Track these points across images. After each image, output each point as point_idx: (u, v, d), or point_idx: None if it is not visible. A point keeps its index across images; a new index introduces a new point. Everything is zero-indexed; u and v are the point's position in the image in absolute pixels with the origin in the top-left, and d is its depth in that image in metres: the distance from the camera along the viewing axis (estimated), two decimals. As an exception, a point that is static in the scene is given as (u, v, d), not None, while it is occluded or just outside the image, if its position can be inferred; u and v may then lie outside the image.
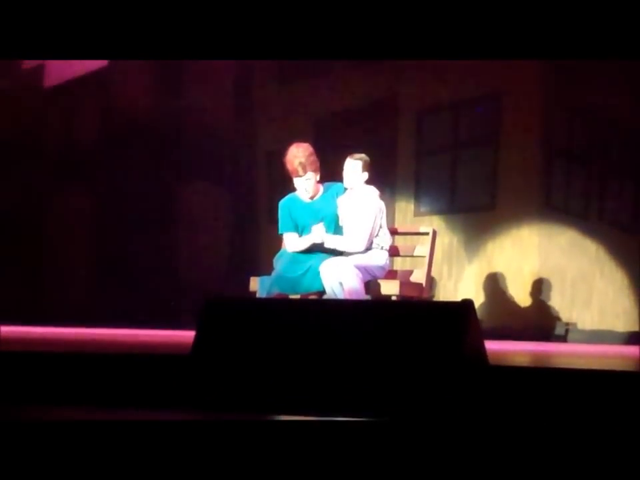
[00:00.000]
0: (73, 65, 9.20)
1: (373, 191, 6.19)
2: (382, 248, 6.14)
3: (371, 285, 6.07)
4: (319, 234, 6.03)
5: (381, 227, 6.16)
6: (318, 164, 6.17)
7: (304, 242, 6.09)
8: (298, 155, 6.08)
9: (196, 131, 9.02)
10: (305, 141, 6.26)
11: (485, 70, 8.34)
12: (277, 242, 6.47)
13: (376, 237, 6.14)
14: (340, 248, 6.06)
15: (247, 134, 9.13)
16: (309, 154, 6.11)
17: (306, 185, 6.13)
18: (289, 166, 6.11)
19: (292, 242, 6.15)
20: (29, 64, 9.28)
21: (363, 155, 6.17)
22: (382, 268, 6.14)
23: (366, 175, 6.16)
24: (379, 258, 6.12)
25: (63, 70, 9.25)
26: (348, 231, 6.15)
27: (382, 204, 6.20)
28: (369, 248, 6.11)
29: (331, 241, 6.05)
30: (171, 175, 9.11)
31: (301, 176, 6.09)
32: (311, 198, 6.20)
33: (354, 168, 6.13)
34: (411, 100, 8.67)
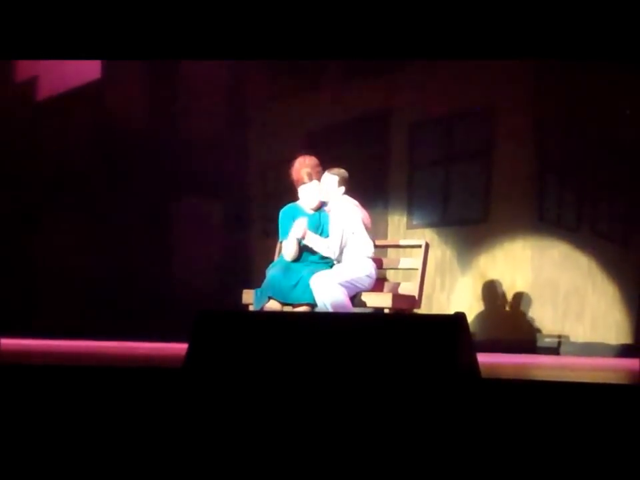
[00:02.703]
0: (66, 79, 9.20)
1: (348, 202, 6.27)
2: (367, 256, 6.20)
3: (357, 298, 6.11)
4: (300, 227, 6.07)
5: (353, 233, 6.20)
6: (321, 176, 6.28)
7: (290, 239, 6.13)
8: (305, 164, 6.23)
9: (189, 143, 9.03)
10: (300, 152, 6.35)
11: (478, 83, 8.37)
12: (270, 254, 6.47)
13: (353, 244, 6.18)
14: (316, 249, 6.14)
15: (241, 147, 9.14)
16: (315, 164, 6.25)
17: (311, 193, 6.22)
18: (295, 175, 6.24)
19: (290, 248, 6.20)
20: (21, 77, 9.28)
21: (341, 171, 6.31)
22: (368, 277, 6.19)
23: (342, 189, 6.27)
24: (364, 267, 6.16)
25: (56, 83, 9.25)
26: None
27: (362, 213, 6.26)
28: (353, 257, 6.16)
29: (310, 239, 6.13)
30: (165, 187, 9.11)
31: (305, 183, 6.18)
32: (313, 209, 6.28)
33: (331, 182, 6.27)
34: (403, 113, 8.69)
